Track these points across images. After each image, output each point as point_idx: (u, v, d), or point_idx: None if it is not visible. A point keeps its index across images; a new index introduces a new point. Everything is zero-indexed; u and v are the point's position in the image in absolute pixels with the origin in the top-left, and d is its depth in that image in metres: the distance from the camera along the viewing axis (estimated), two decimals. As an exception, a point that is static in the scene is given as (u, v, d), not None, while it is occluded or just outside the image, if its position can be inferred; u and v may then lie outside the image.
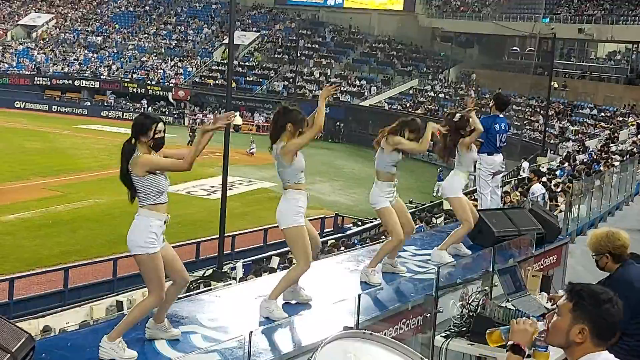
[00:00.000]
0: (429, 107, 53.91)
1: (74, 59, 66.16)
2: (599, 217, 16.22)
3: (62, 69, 65.03)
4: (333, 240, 20.64)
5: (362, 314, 6.08)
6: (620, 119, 41.29)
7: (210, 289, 13.87)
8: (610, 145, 30.42)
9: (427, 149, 8.52)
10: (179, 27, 70.70)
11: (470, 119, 8.90)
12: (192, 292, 13.55)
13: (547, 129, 41.58)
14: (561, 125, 45.50)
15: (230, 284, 16.41)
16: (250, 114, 58.21)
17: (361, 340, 3.91)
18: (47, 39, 70.05)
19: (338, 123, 55.53)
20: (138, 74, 63.79)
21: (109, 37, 69.82)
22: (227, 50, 22.46)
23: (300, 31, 67.09)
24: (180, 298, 7.07)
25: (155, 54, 66.51)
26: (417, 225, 18.77)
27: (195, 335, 6.13)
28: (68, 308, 17.12)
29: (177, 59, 65.59)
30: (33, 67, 65.17)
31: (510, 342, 3.75)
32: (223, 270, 18.85)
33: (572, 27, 51.18)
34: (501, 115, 10.42)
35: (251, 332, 4.95)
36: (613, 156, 25.56)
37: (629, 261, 6.04)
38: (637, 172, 20.35)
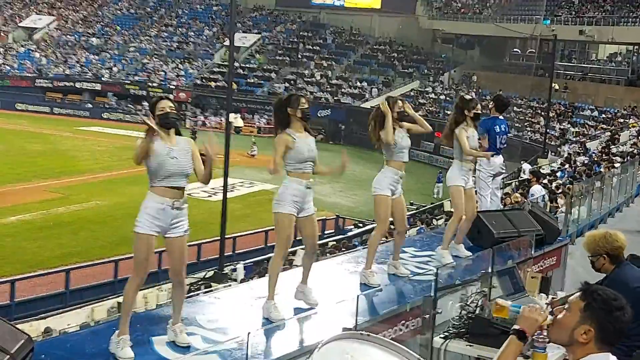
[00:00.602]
0: (430, 108, 53.90)
1: (75, 61, 66.18)
2: (599, 218, 16.20)
3: (64, 71, 65.05)
4: (334, 242, 20.65)
5: (361, 315, 6.11)
6: (621, 120, 41.25)
7: (211, 290, 13.88)
8: (611, 146, 30.40)
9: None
10: (180, 29, 70.73)
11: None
12: (192, 294, 13.57)
13: (547, 130, 41.58)
14: (562, 127, 45.48)
15: (230, 285, 16.42)
16: (251, 115, 58.26)
17: (359, 341, 3.92)
18: (48, 41, 70.08)
19: (339, 124, 55.61)
20: (139, 76, 63.82)
21: (110, 39, 69.84)
22: (228, 52, 22.49)
23: (301, 33, 67.15)
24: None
25: (156, 56, 66.53)
26: (418, 227, 18.85)
27: (194, 337, 6.14)
28: (69, 310, 17.12)
29: (179, 60, 65.59)
30: (34, 69, 65.18)
31: (516, 327, 3.73)
32: (224, 272, 18.87)
33: (573, 29, 51.18)
34: (501, 117, 10.41)
35: (249, 333, 4.97)
36: (614, 158, 25.55)
37: (625, 262, 6.05)
38: (637, 173, 20.32)
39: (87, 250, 24.20)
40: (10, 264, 22.44)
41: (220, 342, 5.93)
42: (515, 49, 60.30)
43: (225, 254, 20.13)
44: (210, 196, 32.27)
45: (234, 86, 54.96)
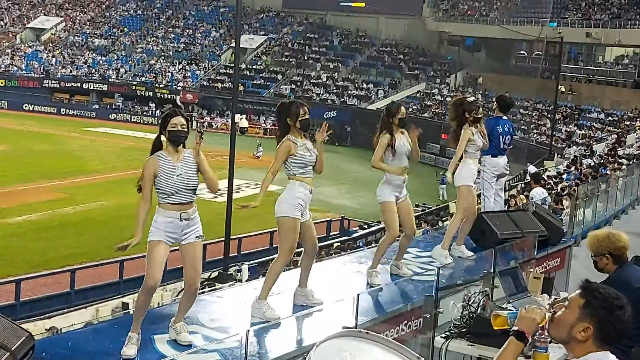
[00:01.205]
0: (436, 110, 53.86)
1: (83, 62, 66.39)
2: (604, 220, 16.17)
3: (71, 71, 65.24)
4: (339, 243, 20.65)
5: (362, 315, 6.09)
6: (628, 123, 41.17)
7: (213, 289, 13.88)
8: (617, 149, 30.34)
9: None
10: (187, 31, 70.86)
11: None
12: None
13: (554, 133, 41.50)
14: (568, 129, 45.39)
15: (233, 284, 16.43)
16: (257, 117, 58.33)
17: (357, 339, 3.91)
18: (56, 42, 70.28)
19: (345, 126, 55.63)
20: (146, 77, 63.97)
21: (117, 40, 70.03)
22: (234, 53, 22.51)
23: (307, 35, 67.19)
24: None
25: (163, 57, 66.68)
26: (423, 228, 18.83)
27: (196, 336, 6.13)
28: (74, 309, 17.16)
29: (185, 62, 65.72)
30: (42, 69, 65.39)
31: (515, 328, 3.72)
32: (229, 273, 18.88)
33: (580, 31, 51.11)
34: (505, 117, 10.36)
35: (248, 330, 4.96)
36: (620, 160, 25.50)
37: (628, 262, 6.03)
38: (643, 176, 20.27)
39: (92, 250, 24.22)
40: (16, 264, 22.49)
41: (219, 340, 5.93)
42: (521, 51, 60.15)
43: (230, 255, 20.16)
44: (215, 197, 32.25)
45: (240, 88, 55.01)
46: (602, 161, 27.06)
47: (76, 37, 70.85)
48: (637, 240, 8.15)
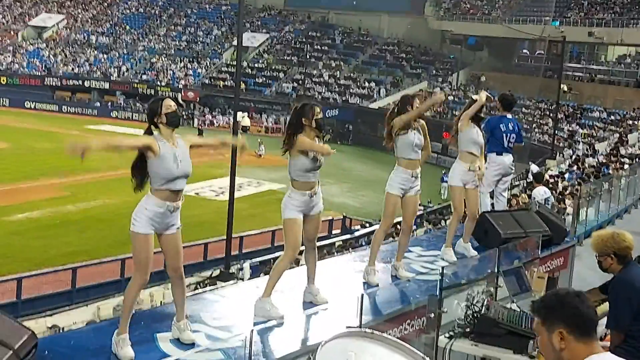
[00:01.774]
0: (438, 109, 53.81)
1: (84, 60, 66.38)
2: (607, 220, 16.17)
3: (72, 69, 65.24)
4: (340, 242, 20.64)
5: (366, 314, 6.08)
6: (630, 122, 41.11)
7: (215, 288, 13.86)
8: (620, 148, 30.31)
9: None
10: (189, 29, 70.84)
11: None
12: (198, 291, 13.57)
13: (556, 132, 41.44)
14: (570, 128, 45.35)
15: (236, 283, 16.40)
16: (259, 115, 58.33)
17: (362, 339, 3.91)
18: (57, 40, 70.29)
19: (347, 125, 55.62)
20: (148, 75, 63.96)
21: (119, 38, 70.02)
22: (236, 51, 22.44)
23: (309, 33, 67.16)
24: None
25: (165, 55, 66.65)
26: (425, 228, 18.82)
27: (199, 334, 6.12)
28: (75, 307, 17.15)
29: (187, 60, 65.69)
30: (43, 67, 65.40)
31: None
32: (230, 272, 18.86)
33: (582, 30, 51.04)
34: (509, 116, 10.32)
35: (252, 330, 4.94)
36: (622, 159, 25.48)
37: (632, 262, 6.01)
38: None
39: (94, 248, 24.21)
40: (18, 262, 22.48)
41: (223, 339, 5.91)
42: (524, 50, 60.15)
43: (232, 254, 20.14)
44: (217, 195, 32.31)
45: (242, 86, 55.03)
46: (604, 160, 27.03)
47: (78, 35, 70.85)
48: (640, 239, 8.14)
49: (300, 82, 60.99)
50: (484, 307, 6.32)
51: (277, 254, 20.27)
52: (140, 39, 69.77)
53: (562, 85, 42.82)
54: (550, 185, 19.19)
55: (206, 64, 65.15)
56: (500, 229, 9.20)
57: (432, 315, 6.58)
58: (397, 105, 7.93)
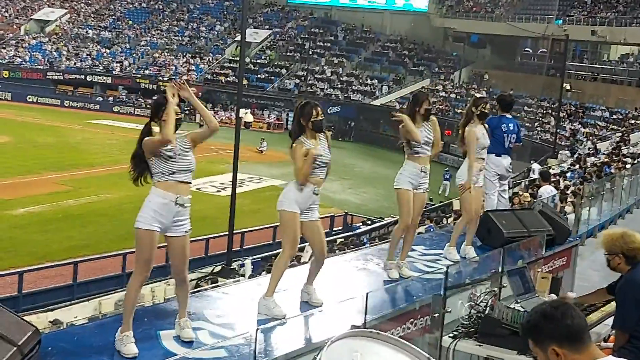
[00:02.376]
0: (440, 107, 53.77)
1: (87, 54, 66.37)
2: (609, 219, 16.14)
3: (75, 64, 65.23)
4: (342, 239, 20.62)
5: (370, 313, 6.06)
6: (632, 121, 41.06)
7: (218, 286, 13.87)
8: (622, 147, 30.25)
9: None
10: (192, 24, 70.81)
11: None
12: (200, 288, 13.56)
13: (558, 130, 41.40)
14: (572, 127, 45.31)
15: (239, 280, 16.41)
16: (261, 111, 58.31)
17: (367, 339, 3.89)
18: (60, 34, 70.26)
19: (348, 122, 55.60)
20: (150, 70, 63.96)
21: (121, 32, 70.02)
22: (239, 47, 22.41)
23: (312, 29, 67.09)
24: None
25: (167, 50, 66.64)
26: (427, 225, 18.80)
27: (202, 332, 6.12)
28: (77, 302, 17.13)
29: (189, 55, 65.68)
30: (46, 61, 65.39)
31: None
32: (232, 267, 18.86)
33: (585, 29, 50.97)
34: (509, 116, 10.28)
35: (257, 329, 4.94)
36: (624, 159, 25.43)
37: None
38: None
39: (95, 243, 24.23)
40: (19, 256, 22.48)
41: (228, 337, 5.91)
42: (526, 49, 60.06)
43: (233, 249, 20.14)
44: (219, 191, 32.30)
45: (245, 82, 54.97)
46: (606, 160, 26.97)
47: (80, 29, 70.83)
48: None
49: (302, 78, 60.96)
50: (488, 307, 6.31)
51: (278, 251, 20.30)
52: (143, 33, 69.76)
53: (564, 84, 42.75)
54: (553, 185, 19.15)
55: (209, 59, 65.13)
56: (504, 229, 9.18)
57: (436, 314, 6.57)
58: (409, 104, 8.01)
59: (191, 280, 16.74)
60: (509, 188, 12.28)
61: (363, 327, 5.20)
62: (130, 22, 71.61)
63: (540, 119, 49.14)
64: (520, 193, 19.71)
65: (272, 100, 59.10)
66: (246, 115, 53.09)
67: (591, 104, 48.62)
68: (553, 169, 28.34)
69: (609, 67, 53.22)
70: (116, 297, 17.04)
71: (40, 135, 45.06)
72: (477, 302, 6.36)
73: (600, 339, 6.62)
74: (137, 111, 58.43)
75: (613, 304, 6.20)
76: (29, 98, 61.02)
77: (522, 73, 55.46)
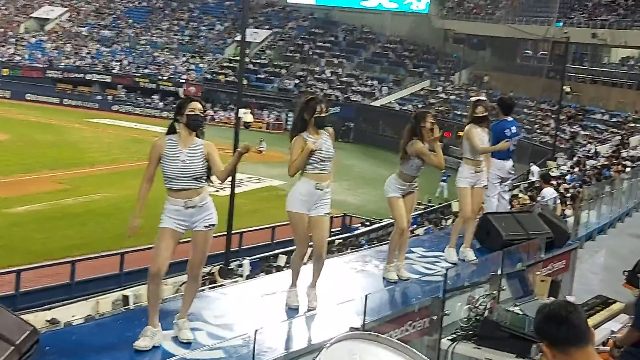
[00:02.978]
0: (440, 108, 53.75)
1: (86, 53, 66.33)
2: (608, 222, 16.12)
3: (74, 62, 65.18)
4: (341, 240, 20.62)
5: (368, 315, 6.06)
6: (632, 124, 41.05)
7: (216, 286, 13.85)
8: (621, 151, 30.26)
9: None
10: (192, 23, 70.79)
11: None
12: (198, 289, 13.50)
13: (557, 133, 41.39)
14: (572, 130, 45.30)
15: (237, 281, 16.40)
16: (260, 111, 58.26)
17: (367, 342, 3.88)
18: (59, 32, 70.21)
19: (348, 122, 55.55)
20: (149, 69, 63.90)
21: (121, 31, 69.98)
22: (239, 47, 22.37)
23: (312, 30, 67.06)
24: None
25: (167, 50, 66.60)
26: (426, 227, 18.80)
27: (200, 332, 6.10)
28: (74, 301, 17.11)
29: (189, 54, 65.66)
30: (45, 60, 65.34)
31: None
32: (230, 268, 18.83)
33: (586, 32, 50.91)
34: (510, 119, 10.22)
35: (256, 330, 4.92)
36: (624, 162, 25.44)
37: None
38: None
39: (94, 242, 24.20)
40: (18, 254, 22.46)
41: (226, 338, 5.89)
42: (526, 51, 60.02)
43: (232, 250, 20.10)
44: (217, 191, 32.09)
45: (244, 81, 54.93)
46: (605, 163, 26.98)
47: (80, 28, 70.79)
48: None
49: (302, 78, 60.94)
50: (487, 310, 6.30)
51: (276, 251, 20.29)
52: (143, 32, 69.72)
53: (564, 87, 42.73)
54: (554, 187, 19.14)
55: (208, 59, 65.11)
56: (503, 231, 9.15)
57: (435, 317, 6.56)
58: (411, 123, 7.99)
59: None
60: (509, 190, 12.24)
61: (362, 329, 5.19)
62: (130, 20, 71.58)
63: (540, 121, 49.13)
64: (520, 195, 19.70)
65: (272, 100, 59.09)
66: (246, 115, 52.97)
67: (591, 106, 48.61)
68: (552, 172, 28.33)
69: (609, 69, 53.16)
70: (114, 296, 17.04)
71: (39, 133, 45.04)
72: (476, 305, 6.35)
73: (598, 343, 6.60)
74: (137, 110, 58.47)
75: (613, 307, 6.19)
76: (28, 96, 60.99)
77: (522, 75, 55.39)
